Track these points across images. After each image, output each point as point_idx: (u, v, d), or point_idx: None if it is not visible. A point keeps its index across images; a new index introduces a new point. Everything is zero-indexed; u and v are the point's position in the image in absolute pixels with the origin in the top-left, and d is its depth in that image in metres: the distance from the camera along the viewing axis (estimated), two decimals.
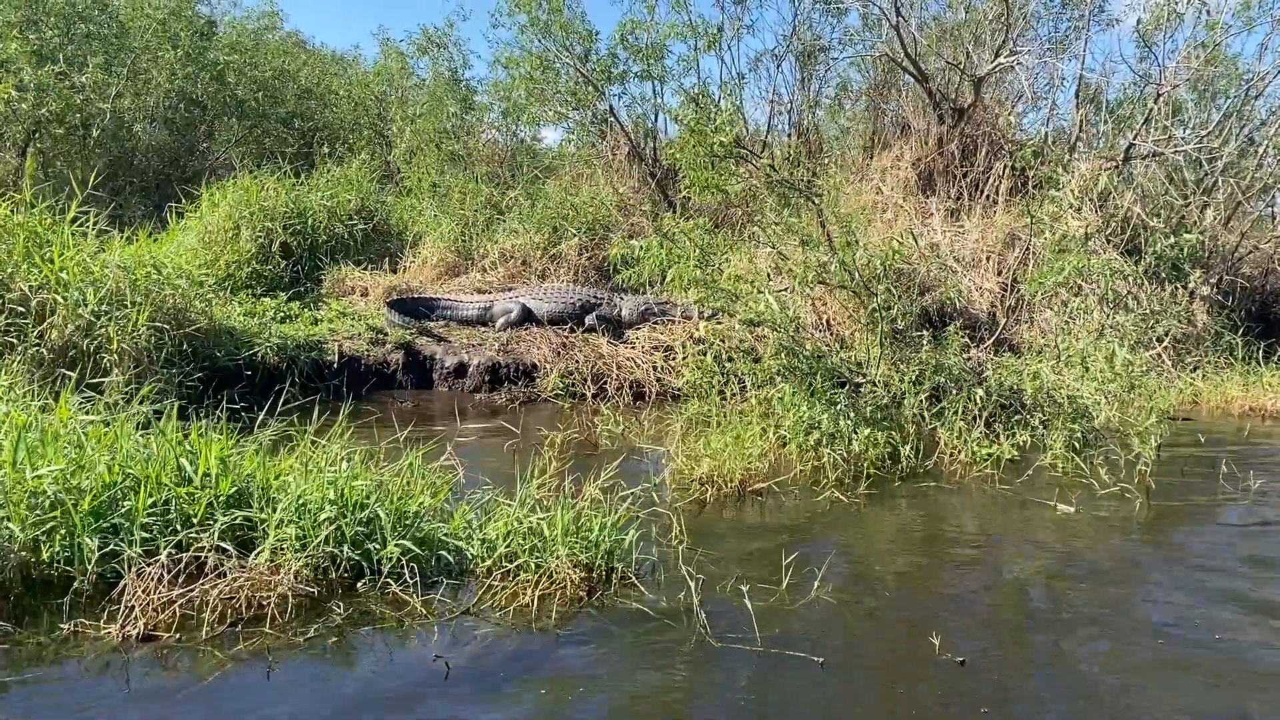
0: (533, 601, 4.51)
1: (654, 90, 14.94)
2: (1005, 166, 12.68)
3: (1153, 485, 7.19)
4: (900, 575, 5.24)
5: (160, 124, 15.73)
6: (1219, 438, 9.21)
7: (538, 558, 4.74)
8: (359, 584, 4.60)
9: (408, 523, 4.84)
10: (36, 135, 13.48)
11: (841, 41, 14.89)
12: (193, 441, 4.94)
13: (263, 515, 4.67)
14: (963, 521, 6.41)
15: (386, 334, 9.50)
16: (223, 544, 4.43)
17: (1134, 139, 12.10)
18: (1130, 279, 11.28)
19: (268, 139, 17.19)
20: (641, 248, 8.95)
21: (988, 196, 12.78)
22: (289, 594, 4.29)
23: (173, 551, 4.36)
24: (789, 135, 15.37)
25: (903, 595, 4.95)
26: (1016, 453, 7.59)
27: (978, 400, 8.27)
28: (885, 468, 7.26)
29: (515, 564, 4.73)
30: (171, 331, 7.84)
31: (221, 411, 5.77)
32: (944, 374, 8.71)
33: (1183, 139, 13.10)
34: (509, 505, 5.09)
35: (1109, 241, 11.59)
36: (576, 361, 9.41)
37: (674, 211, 13.17)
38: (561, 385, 8.90)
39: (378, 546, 4.67)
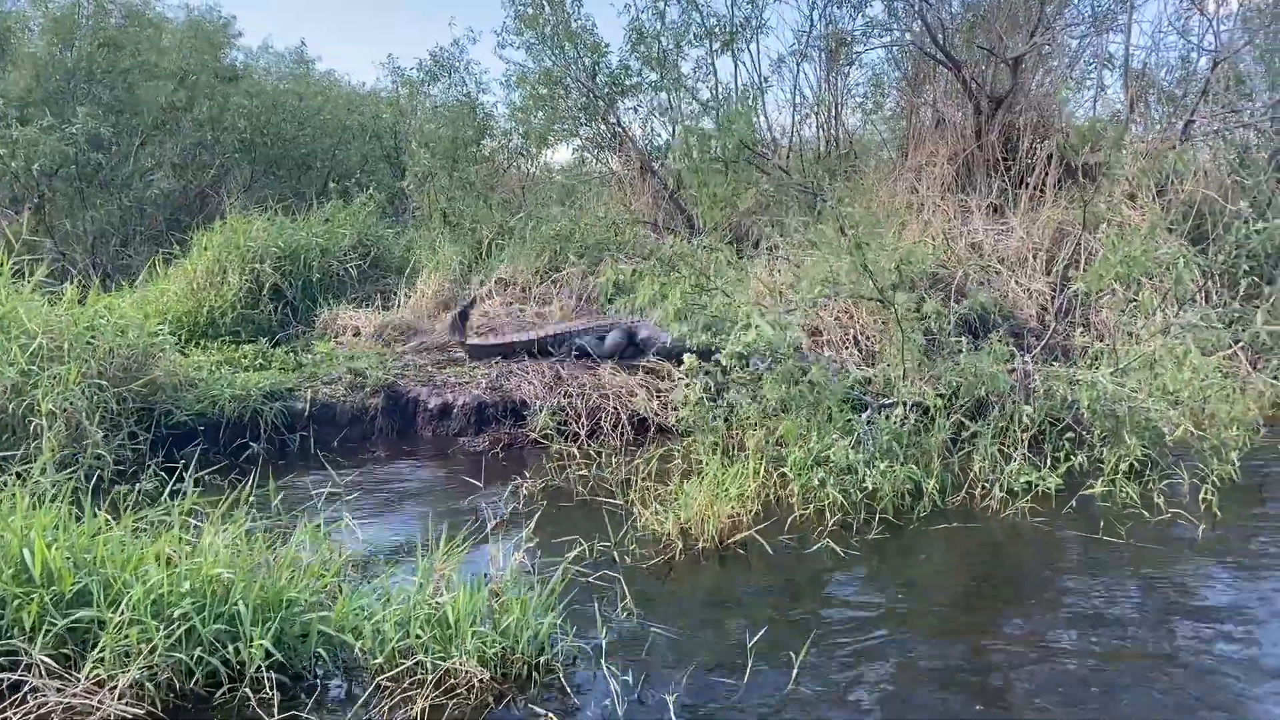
0: (421, 715, 3.61)
1: (669, 101, 14.11)
2: (1051, 155, 11.49)
3: (1218, 513, 6.05)
4: (901, 649, 4.22)
5: (169, 171, 15.43)
6: None
7: (438, 653, 3.85)
8: (216, 695, 3.77)
9: (275, 615, 3.96)
10: (37, 190, 13.18)
11: (865, 33, 13.81)
12: (38, 523, 4.16)
13: (106, 616, 3.87)
14: (989, 569, 5.36)
15: (365, 376, 8.76)
16: (45, 657, 3.64)
17: (1192, 114, 10.81)
18: (1205, 272, 10.01)
19: (283, 182, 16.83)
20: (636, 273, 8.08)
21: (1034, 189, 11.59)
22: (112, 717, 3.48)
23: None
24: (818, 138, 14.34)
25: (903, 681, 3.93)
26: (1061, 481, 6.48)
27: (1023, 419, 7.17)
28: (904, 507, 6.21)
29: (412, 661, 3.84)
30: (116, 389, 7.18)
31: (142, 480, 5.06)
32: (984, 388, 7.62)
33: (1252, 112, 11.76)
34: (412, 584, 4.21)
35: (1170, 232, 10.31)
36: (570, 396, 8.52)
37: (691, 227, 12.30)
38: (551, 424, 8.01)
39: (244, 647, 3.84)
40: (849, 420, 7.04)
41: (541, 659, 3.97)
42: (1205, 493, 6.32)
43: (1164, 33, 15.40)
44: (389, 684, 3.78)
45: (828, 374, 7.41)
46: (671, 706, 3.56)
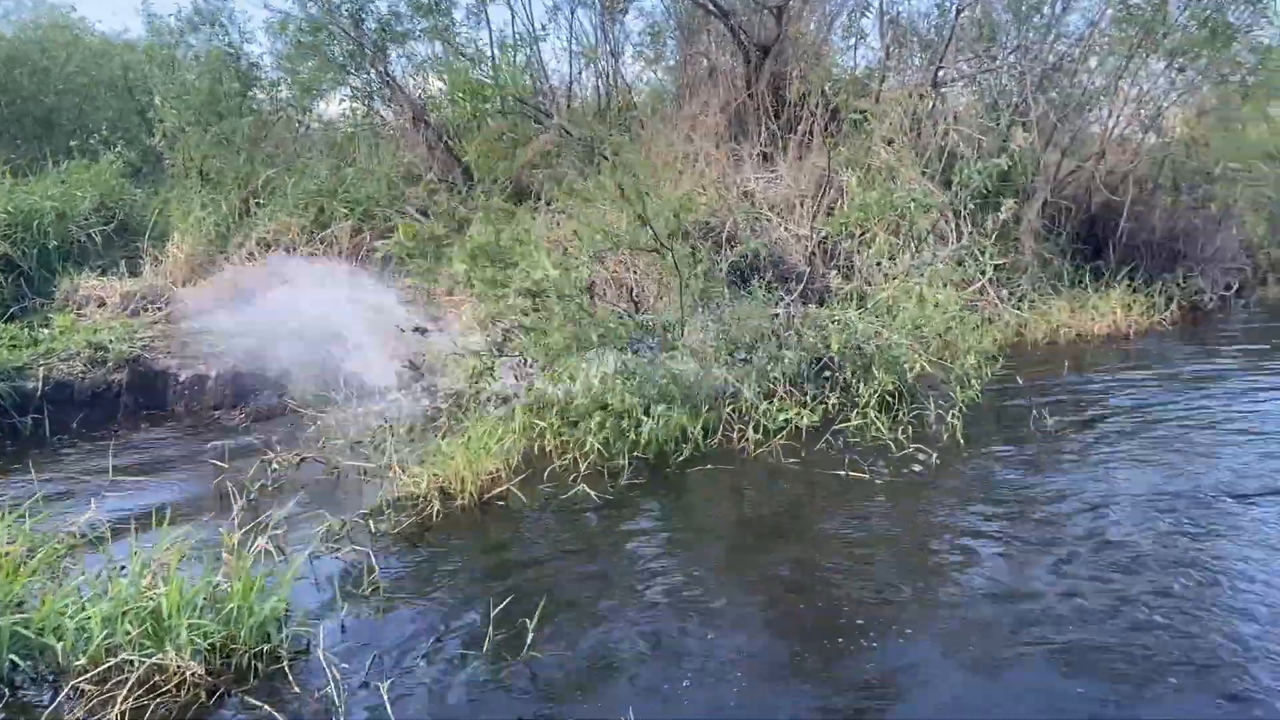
0: (121, 718, 3.34)
1: (443, 50, 13.60)
2: (817, 104, 11.86)
3: (961, 438, 6.47)
4: (649, 596, 4.26)
5: None
6: (1038, 373, 8.66)
7: (147, 649, 3.57)
8: None
9: None
10: None
11: None
12: None
13: None
14: (747, 508, 5.52)
15: (108, 350, 8.05)
16: None
17: (941, 61, 11.40)
18: (956, 212, 10.62)
19: (20, 143, 15.18)
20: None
21: (802, 137, 11.95)
22: None
23: None
24: (597, 89, 14.23)
25: (648, 632, 3.97)
26: (818, 419, 6.75)
27: (784, 363, 7.41)
28: (668, 450, 6.30)
29: (117, 660, 3.54)
30: None
31: None
32: (747, 336, 7.83)
33: (997, 61, 12.53)
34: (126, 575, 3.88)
35: (924, 173, 10.90)
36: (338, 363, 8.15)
37: (469, 179, 11.97)
38: (315, 392, 7.63)
39: None
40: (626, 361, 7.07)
41: (266, 647, 3.75)
42: (950, 419, 6.72)
43: None
44: (90, 687, 3.47)
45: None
46: (385, 692, 3.43)
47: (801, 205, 10.89)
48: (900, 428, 6.66)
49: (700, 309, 8.23)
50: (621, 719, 3.28)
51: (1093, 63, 12.88)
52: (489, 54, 13.34)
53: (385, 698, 3.40)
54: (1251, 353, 9.69)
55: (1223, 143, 13.05)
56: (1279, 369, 8.71)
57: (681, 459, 6.24)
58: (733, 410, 6.86)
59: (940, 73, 11.57)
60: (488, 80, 12.46)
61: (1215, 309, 12.19)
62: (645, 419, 6.31)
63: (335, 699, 3.40)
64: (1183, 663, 3.55)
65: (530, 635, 3.82)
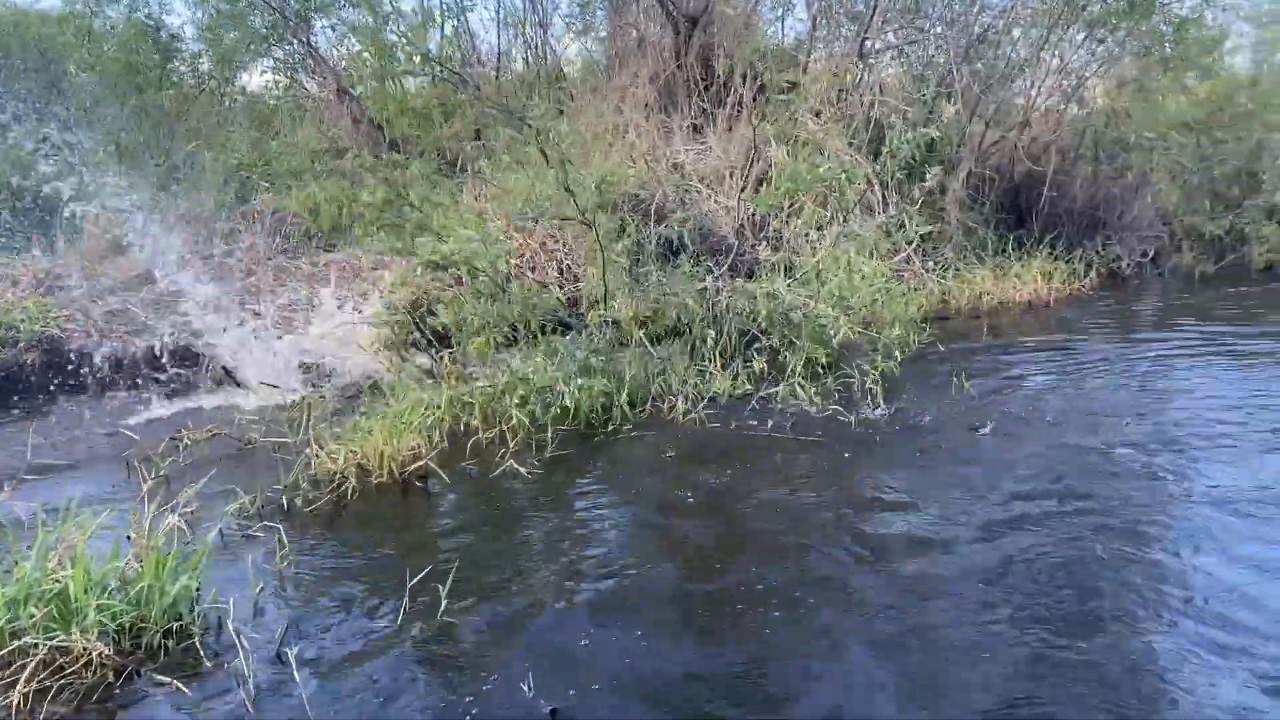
0: (23, 701, 3.28)
1: (372, 20, 13.32)
2: (745, 76, 11.88)
3: (885, 404, 6.60)
4: (560, 569, 4.29)
5: None
6: (961, 339, 8.86)
7: (53, 631, 3.50)
8: None
9: None
10: None
11: None
12: None
13: None
14: (662, 476, 5.55)
15: (18, 330, 7.81)
16: None
17: (866, 32, 11.49)
18: (884, 182, 10.76)
19: None
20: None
21: (731, 109, 11.97)
22: None
23: None
24: (527, 59, 14.08)
25: (563, 597, 3.99)
26: (752, 387, 6.84)
27: (710, 336, 7.48)
28: (596, 422, 6.34)
29: (19, 643, 3.47)
30: None
31: None
32: (674, 309, 7.88)
33: (924, 31, 12.68)
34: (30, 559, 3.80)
35: (852, 144, 11.00)
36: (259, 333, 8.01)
37: (395, 152, 11.78)
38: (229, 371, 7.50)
39: None
40: (550, 340, 7.07)
41: (177, 625, 3.70)
42: (870, 385, 6.85)
43: None
44: None
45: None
46: (293, 661, 3.43)
47: (731, 177, 10.93)
48: (826, 395, 6.78)
49: (628, 282, 8.24)
50: (522, 685, 3.31)
51: (1016, 34, 13.10)
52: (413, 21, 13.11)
53: (294, 667, 3.39)
54: (1162, 317, 10.02)
55: (1143, 113, 13.37)
56: (1183, 333, 9.00)
57: (611, 429, 6.27)
58: (662, 380, 6.91)
59: (866, 44, 11.67)
60: (397, 38, 12.18)
61: (1132, 276, 12.53)
62: (565, 389, 6.33)
63: (244, 671, 3.38)
64: (1088, 611, 3.69)
65: (443, 604, 3.83)
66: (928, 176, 9.07)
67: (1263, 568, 4.01)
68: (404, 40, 11.42)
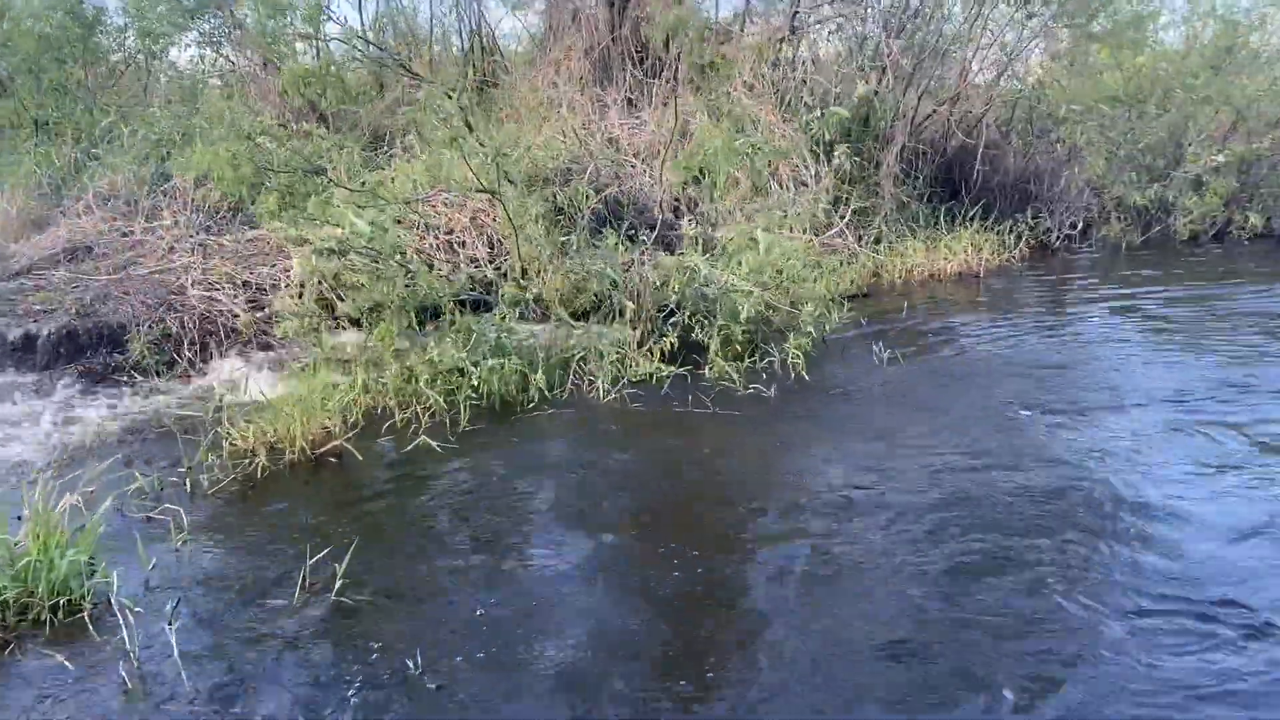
0: None
1: None
2: (679, 49, 11.85)
3: (806, 377, 6.69)
4: (462, 543, 4.32)
5: None
6: (888, 311, 8.99)
7: None
8: None
9: None
10: None
11: None
12: None
13: None
14: (576, 453, 5.61)
15: None
16: None
17: (796, 6, 11.51)
18: (816, 157, 10.82)
19: None
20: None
21: (667, 82, 11.94)
22: None
23: None
24: (460, 32, 13.92)
25: (459, 577, 4.02)
26: (676, 367, 6.88)
27: (629, 308, 7.49)
28: (512, 401, 6.34)
29: None
30: None
31: None
32: (594, 284, 7.89)
33: (857, 5, 12.71)
34: None
35: (785, 119, 11.04)
36: (179, 315, 7.88)
37: (325, 126, 11.61)
38: (150, 351, 7.37)
39: None
40: (461, 321, 7.04)
41: (65, 600, 3.69)
42: (789, 360, 6.93)
43: None
44: None
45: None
46: (173, 634, 3.44)
47: (666, 151, 10.92)
48: (746, 370, 6.84)
49: (552, 258, 8.22)
50: (410, 662, 3.34)
51: (950, 7, 13.18)
52: None
53: (173, 640, 3.40)
54: (1085, 287, 10.25)
55: (1076, 87, 13.55)
56: (1102, 302, 9.22)
57: (530, 408, 6.28)
58: (582, 360, 6.92)
59: (798, 16, 11.68)
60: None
61: (1061, 247, 12.74)
62: (473, 370, 6.33)
63: (128, 646, 3.38)
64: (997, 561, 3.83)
65: (339, 582, 3.84)
66: (836, 155, 9.12)
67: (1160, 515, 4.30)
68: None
